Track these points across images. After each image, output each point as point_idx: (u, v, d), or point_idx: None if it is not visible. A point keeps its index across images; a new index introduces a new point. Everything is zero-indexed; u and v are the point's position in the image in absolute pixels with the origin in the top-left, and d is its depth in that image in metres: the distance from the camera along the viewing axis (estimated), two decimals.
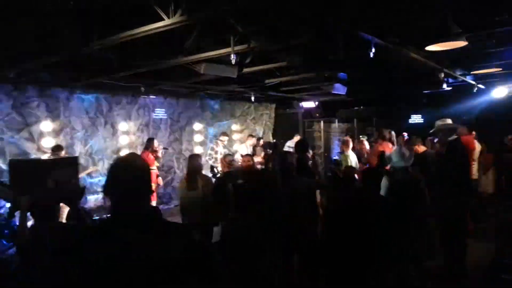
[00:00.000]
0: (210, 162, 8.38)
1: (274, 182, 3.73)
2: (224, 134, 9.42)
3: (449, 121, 5.20)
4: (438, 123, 5.20)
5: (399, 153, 4.48)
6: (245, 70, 7.03)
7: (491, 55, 6.63)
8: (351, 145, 7.37)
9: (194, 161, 5.12)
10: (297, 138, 10.68)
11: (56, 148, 6.96)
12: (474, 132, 7.35)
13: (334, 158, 8.10)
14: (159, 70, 6.70)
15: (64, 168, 2.09)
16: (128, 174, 1.65)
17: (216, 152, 8.58)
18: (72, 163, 2.19)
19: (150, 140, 8.16)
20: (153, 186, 8.13)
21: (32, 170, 2.14)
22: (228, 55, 5.16)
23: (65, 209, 2.65)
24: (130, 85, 8.28)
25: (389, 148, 6.80)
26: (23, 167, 2.24)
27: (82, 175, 7.54)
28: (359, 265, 2.67)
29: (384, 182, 4.67)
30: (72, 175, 2.20)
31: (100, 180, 8.41)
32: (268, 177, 3.96)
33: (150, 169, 1.78)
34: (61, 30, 4.67)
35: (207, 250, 1.65)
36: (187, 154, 10.19)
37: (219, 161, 7.93)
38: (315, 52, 6.29)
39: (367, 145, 7.89)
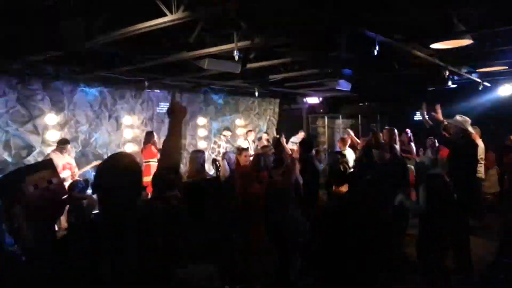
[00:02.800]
0: (213, 156, 8.40)
1: None
2: (227, 129, 9.43)
3: (469, 121, 5.25)
4: (458, 118, 5.23)
5: (433, 159, 4.41)
6: (249, 65, 7.01)
7: (497, 53, 6.56)
8: (348, 142, 7.43)
9: (196, 159, 5.09)
10: (301, 134, 10.66)
11: (62, 142, 7.02)
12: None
13: (337, 150, 8.05)
14: (162, 65, 6.70)
15: (39, 171, 2.11)
16: (117, 173, 1.68)
17: (219, 146, 8.62)
18: (47, 165, 2.23)
19: (150, 133, 8.19)
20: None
21: (8, 183, 2.18)
22: (232, 50, 5.15)
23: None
24: (134, 79, 8.30)
25: None
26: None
27: (86, 168, 7.59)
28: (352, 270, 2.64)
29: (421, 193, 4.63)
30: (52, 175, 2.22)
31: None
32: None
33: (139, 168, 1.80)
34: (64, 24, 4.68)
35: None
36: (190, 148, 10.22)
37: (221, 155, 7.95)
38: (319, 48, 6.25)
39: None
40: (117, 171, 1.70)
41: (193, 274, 3.24)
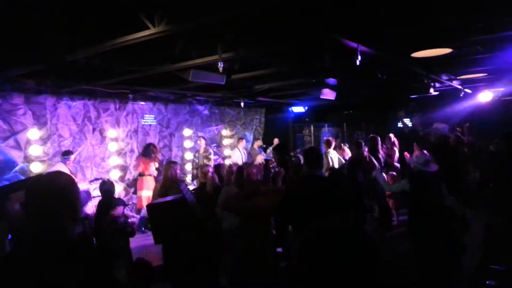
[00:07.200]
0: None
1: None
2: (200, 137, 9.53)
3: (447, 126, 5.45)
4: (437, 125, 5.40)
5: (427, 160, 4.56)
6: (234, 76, 7.02)
7: (477, 61, 6.70)
8: (333, 144, 7.69)
9: (168, 170, 5.22)
10: (276, 141, 10.70)
11: (66, 153, 7.17)
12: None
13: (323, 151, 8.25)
14: (147, 76, 6.66)
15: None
16: (46, 195, 1.51)
17: (196, 157, 8.68)
18: None
19: (151, 146, 8.37)
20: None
21: None
22: (217, 61, 5.15)
23: None
24: (118, 92, 8.22)
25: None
26: None
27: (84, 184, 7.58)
28: None
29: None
30: None
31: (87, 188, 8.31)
32: None
33: (73, 190, 1.59)
34: (46, 38, 4.62)
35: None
36: (177, 160, 10.15)
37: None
38: (303, 58, 6.31)
39: (348, 152, 8.09)
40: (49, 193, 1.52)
41: None
